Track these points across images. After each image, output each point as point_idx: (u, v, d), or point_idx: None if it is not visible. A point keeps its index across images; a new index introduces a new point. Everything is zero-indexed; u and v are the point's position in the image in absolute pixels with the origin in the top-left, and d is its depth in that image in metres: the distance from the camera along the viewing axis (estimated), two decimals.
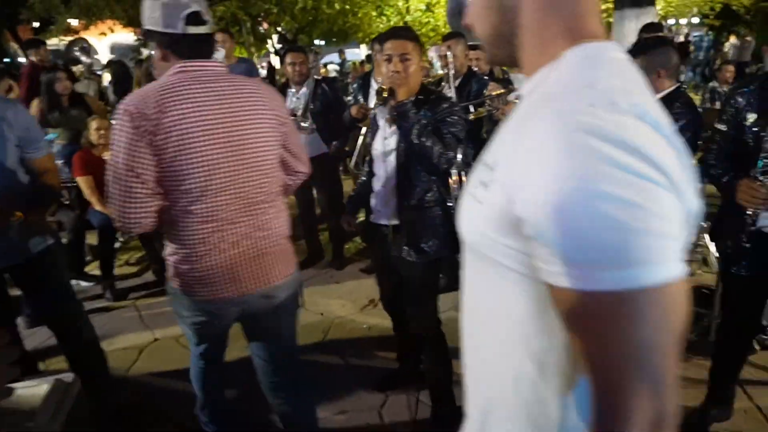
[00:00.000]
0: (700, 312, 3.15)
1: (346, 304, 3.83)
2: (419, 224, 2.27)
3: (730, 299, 2.36)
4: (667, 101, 2.35)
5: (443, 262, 2.41)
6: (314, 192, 4.44)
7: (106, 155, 4.21)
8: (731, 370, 2.42)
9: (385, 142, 2.31)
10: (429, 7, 10.88)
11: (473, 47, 4.13)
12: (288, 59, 4.02)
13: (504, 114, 2.86)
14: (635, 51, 2.45)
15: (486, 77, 3.85)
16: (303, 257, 4.60)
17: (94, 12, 8.87)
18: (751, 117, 1.96)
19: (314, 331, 3.49)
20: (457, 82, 3.40)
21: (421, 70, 2.25)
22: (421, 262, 2.28)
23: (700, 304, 3.24)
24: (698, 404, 2.51)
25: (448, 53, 3.20)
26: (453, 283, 3.75)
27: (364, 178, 2.58)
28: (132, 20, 9.87)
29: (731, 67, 6.40)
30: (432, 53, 3.57)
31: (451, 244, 2.31)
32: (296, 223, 4.91)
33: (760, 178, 1.86)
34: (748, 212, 1.93)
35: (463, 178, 3.21)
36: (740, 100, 2.01)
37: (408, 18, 11.17)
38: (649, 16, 6.73)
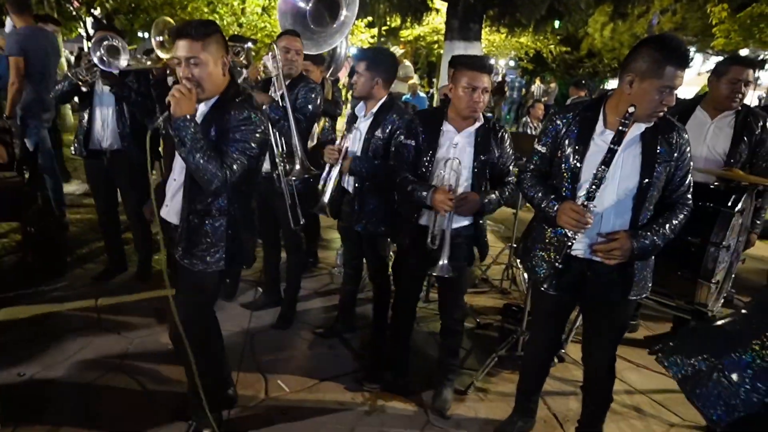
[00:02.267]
0: (509, 328, 3.33)
1: (150, 322, 3.35)
2: (200, 232, 2.12)
3: (537, 316, 2.48)
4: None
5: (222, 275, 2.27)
6: (118, 193, 3.85)
7: None
8: (536, 382, 2.56)
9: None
10: (266, 10, 10.50)
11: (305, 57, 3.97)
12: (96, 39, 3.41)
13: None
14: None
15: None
16: (102, 268, 4.00)
17: None
18: (570, 144, 2.07)
19: (110, 352, 3.01)
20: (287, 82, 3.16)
21: (221, 69, 2.04)
22: (195, 271, 2.15)
23: (510, 321, 3.43)
24: (506, 417, 2.61)
25: (278, 54, 2.98)
26: (233, 294, 3.63)
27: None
28: None
29: (542, 105, 7.26)
30: (266, 58, 3.32)
31: (233, 258, 2.18)
32: (95, 229, 4.34)
33: (585, 203, 1.96)
34: (568, 234, 2.02)
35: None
36: (559, 124, 2.12)
37: (243, 20, 10.64)
38: (475, 49, 7.32)
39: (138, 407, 2.60)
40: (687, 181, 2.03)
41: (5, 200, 3.61)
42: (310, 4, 4.24)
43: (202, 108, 2.09)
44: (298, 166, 2.96)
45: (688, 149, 2.00)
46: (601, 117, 2.03)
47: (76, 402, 2.62)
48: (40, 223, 4.21)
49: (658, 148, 1.95)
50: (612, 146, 1.88)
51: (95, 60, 3.00)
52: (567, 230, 2.01)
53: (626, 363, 3.26)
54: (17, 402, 2.58)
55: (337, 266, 4.39)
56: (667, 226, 1.98)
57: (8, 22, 4.64)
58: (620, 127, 1.86)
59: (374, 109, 2.84)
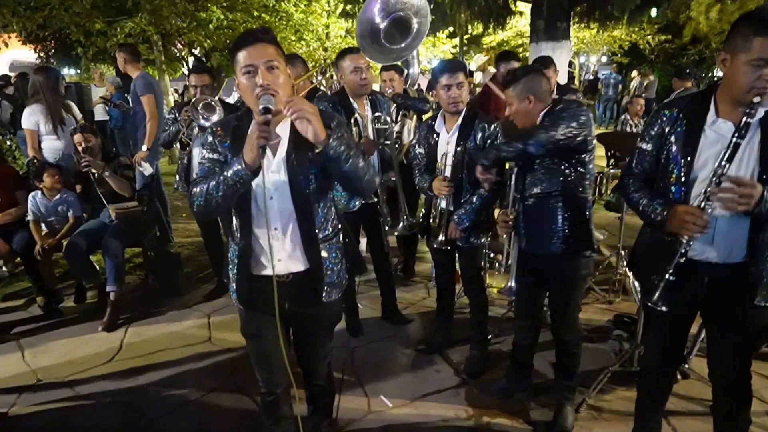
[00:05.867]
0: (622, 341, 3.10)
1: None
2: (328, 259, 1.93)
3: (651, 329, 2.27)
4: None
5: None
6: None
7: None
8: (657, 402, 2.33)
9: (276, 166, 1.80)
10: (349, 33, 10.83)
11: (386, 68, 4.08)
12: (191, 80, 3.74)
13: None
14: (510, 81, 2.44)
15: (399, 96, 3.83)
16: (212, 287, 4.28)
17: None
18: (678, 141, 1.89)
19: (221, 367, 3.20)
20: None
21: (290, 82, 1.76)
22: (332, 302, 2.00)
23: (623, 333, 3.19)
24: None
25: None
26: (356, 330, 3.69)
27: None
28: (30, 35, 9.02)
29: (642, 100, 6.69)
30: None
31: (350, 269, 2.08)
32: (204, 251, 4.66)
33: (703, 204, 1.76)
34: (683, 239, 1.81)
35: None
36: (665, 119, 1.95)
37: (328, 44, 11.09)
38: (564, 49, 7.02)
39: (249, 421, 2.70)
40: None
41: (130, 228, 3.97)
42: (384, 24, 4.40)
43: (282, 130, 1.77)
44: (403, 223, 3.17)
45: None
46: (712, 107, 1.83)
47: (187, 416, 2.78)
48: (158, 248, 4.61)
49: None
50: (737, 140, 1.69)
51: (200, 121, 3.51)
52: (681, 236, 1.80)
53: (766, 380, 2.90)
54: (134, 413, 2.79)
55: (432, 279, 4.35)
56: None
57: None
58: (745, 118, 1.67)
59: (459, 122, 2.83)
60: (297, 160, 1.76)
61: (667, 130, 1.93)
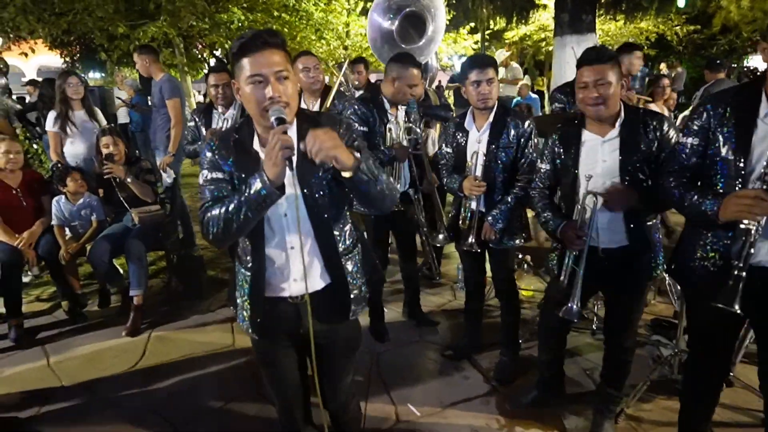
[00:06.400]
0: (660, 347, 2.95)
1: None
2: (350, 273, 1.78)
3: (698, 340, 2.12)
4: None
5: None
6: None
7: (13, 180, 3.89)
8: (702, 414, 2.19)
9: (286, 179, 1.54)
10: None
11: None
12: (210, 80, 3.68)
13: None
14: (611, 56, 2.19)
15: (421, 106, 3.76)
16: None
17: (10, 28, 8.07)
18: (728, 137, 1.76)
19: (245, 373, 3.15)
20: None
21: (297, 84, 1.62)
22: (354, 318, 1.86)
23: (662, 338, 3.04)
24: None
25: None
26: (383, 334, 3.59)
27: None
28: (55, 40, 9.17)
29: (674, 94, 6.41)
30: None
31: (370, 280, 1.89)
32: (227, 254, 4.62)
33: (765, 187, 1.63)
34: (750, 225, 1.67)
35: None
36: (711, 113, 1.82)
37: (348, 42, 11.05)
38: (589, 42, 6.82)
39: (272, 429, 2.64)
40: None
41: (152, 232, 3.95)
42: (396, 24, 4.27)
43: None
44: (441, 236, 3.12)
45: None
46: (764, 99, 1.72)
47: (210, 423, 2.74)
48: (181, 251, 4.59)
49: None
50: None
51: None
52: (746, 223, 1.68)
53: None
54: (158, 418, 2.75)
55: (458, 281, 4.25)
56: None
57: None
58: None
59: (490, 119, 2.71)
60: (306, 170, 1.59)
61: (714, 124, 1.81)
